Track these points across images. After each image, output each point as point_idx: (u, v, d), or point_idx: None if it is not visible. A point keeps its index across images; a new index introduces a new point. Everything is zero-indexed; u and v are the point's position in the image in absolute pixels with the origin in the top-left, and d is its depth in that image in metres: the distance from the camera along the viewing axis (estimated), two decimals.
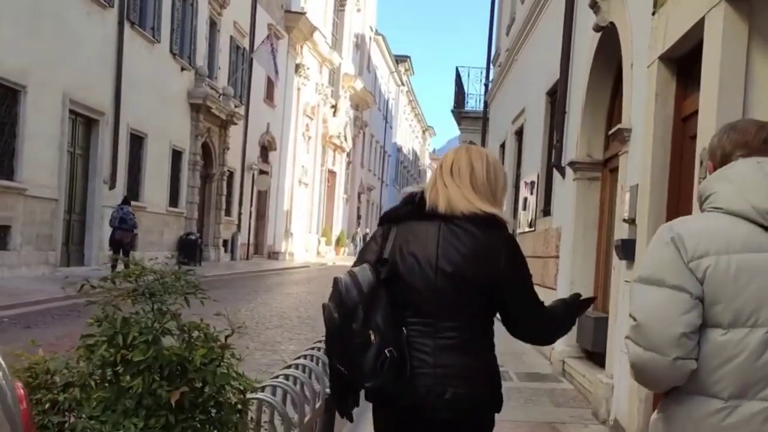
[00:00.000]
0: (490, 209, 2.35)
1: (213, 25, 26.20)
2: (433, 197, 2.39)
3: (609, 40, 7.00)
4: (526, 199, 11.97)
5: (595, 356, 7.59)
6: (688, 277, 1.86)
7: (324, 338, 2.45)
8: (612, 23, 6.65)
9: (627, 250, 5.69)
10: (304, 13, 34.99)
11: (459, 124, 21.20)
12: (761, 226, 1.88)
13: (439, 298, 2.32)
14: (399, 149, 74.46)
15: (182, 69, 22.98)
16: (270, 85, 33.11)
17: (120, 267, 3.24)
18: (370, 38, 54.52)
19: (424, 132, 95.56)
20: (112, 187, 18.48)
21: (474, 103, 21.00)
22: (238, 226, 30.21)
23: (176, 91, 22.66)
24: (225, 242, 28.80)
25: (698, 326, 1.87)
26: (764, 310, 1.84)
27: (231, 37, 27.91)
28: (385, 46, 59.83)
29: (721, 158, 2.06)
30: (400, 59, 68.41)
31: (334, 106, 44.16)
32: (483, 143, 19.24)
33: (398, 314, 2.33)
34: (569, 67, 8.80)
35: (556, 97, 9.74)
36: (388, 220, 2.50)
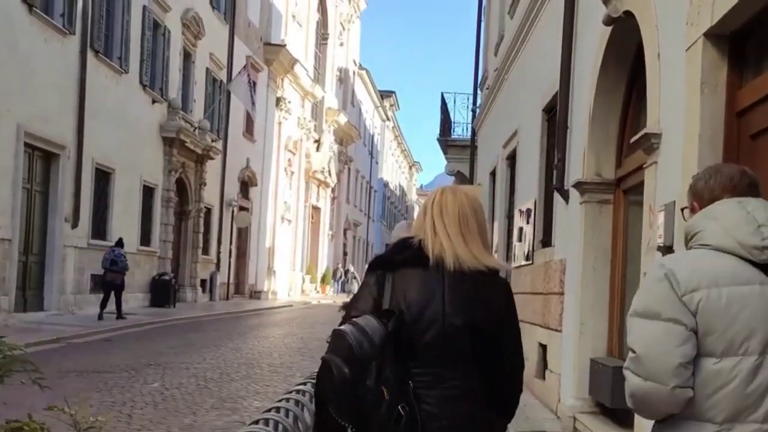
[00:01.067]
0: (492, 262, 2.35)
1: (187, 57, 25.14)
2: (437, 250, 2.33)
3: (623, 33, 5.90)
4: (521, 230, 10.79)
5: (615, 413, 6.35)
6: (682, 310, 1.99)
7: (319, 393, 2.33)
8: (627, 12, 5.54)
9: None
10: (284, 45, 34.08)
11: (445, 153, 20.12)
12: (747, 260, 2.03)
13: (446, 347, 2.28)
14: (386, 185, 73.45)
15: (153, 101, 21.84)
16: (249, 118, 32.01)
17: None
18: (354, 72, 53.76)
19: (410, 167, 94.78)
20: (75, 225, 17.19)
21: (461, 131, 19.97)
22: (217, 264, 28.87)
23: (147, 124, 21.49)
24: (203, 282, 27.45)
25: (693, 356, 1.99)
26: (754, 339, 1.98)
27: (207, 69, 26.86)
28: (370, 81, 59.12)
29: (708, 201, 2.18)
30: (385, 94, 67.75)
31: (318, 141, 43.12)
32: (471, 173, 18.16)
33: (402, 366, 2.26)
34: (571, 75, 7.68)
35: (555, 112, 8.64)
36: (382, 266, 2.39)
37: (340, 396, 2.22)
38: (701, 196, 2.21)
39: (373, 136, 64.80)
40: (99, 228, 18.92)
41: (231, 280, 30.52)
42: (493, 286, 2.35)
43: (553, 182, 8.06)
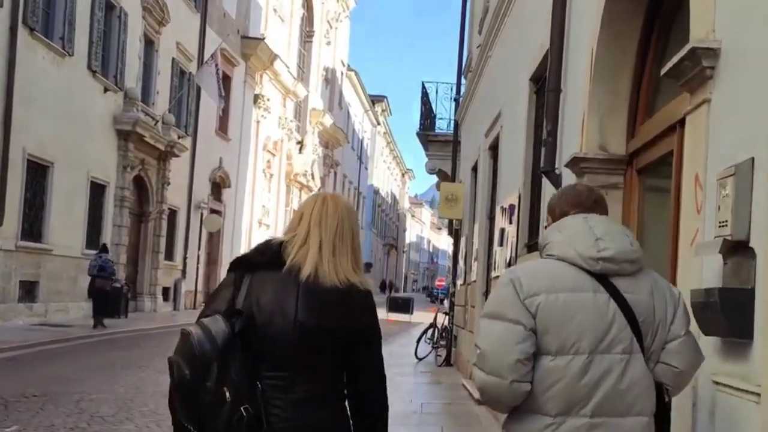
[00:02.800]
0: (354, 278, 2.28)
1: (149, 44, 23.03)
2: (298, 258, 2.26)
3: None
4: (503, 231, 8.71)
5: None
6: (523, 312, 2.17)
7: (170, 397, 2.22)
8: None
9: (735, 311, 2.60)
10: (262, 39, 32.00)
11: (426, 149, 18.03)
12: (585, 269, 2.21)
13: (297, 351, 2.22)
14: (376, 192, 71.37)
15: (106, 90, 19.71)
16: (224, 115, 29.91)
17: None
18: (342, 73, 51.72)
19: (403, 175, 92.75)
20: (0, 224, 15.03)
21: (444, 126, 17.87)
22: (183, 271, 26.71)
23: (97, 114, 19.36)
24: (166, 290, 25.28)
25: (531, 354, 2.16)
26: (584, 340, 2.16)
27: (173, 59, 24.73)
28: (359, 83, 57.11)
29: (559, 215, 2.40)
30: (376, 99, 65.84)
31: (300, 143, 41.03)
32: (453, 170, 16.11)
33: (251, 368, 2.20)
34: (566, 15, 5.61)
35: (545, 79, 6.59)
36: (240, 267, 2.32)
37: (181, 397, 2.16)
38: (554, 212, 2.44)
39: (362, 140, 62.75)
40: (32, 228, 16.77)
41: (199, 288, 28.33)
42: (350, 297, 2.26)
43: (541, 164, 5.95)
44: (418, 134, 17.77)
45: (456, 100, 15.97)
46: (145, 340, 15.74)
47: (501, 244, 8.76)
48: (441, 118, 18.58)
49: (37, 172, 16.82)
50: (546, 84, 5.89)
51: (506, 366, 2.14)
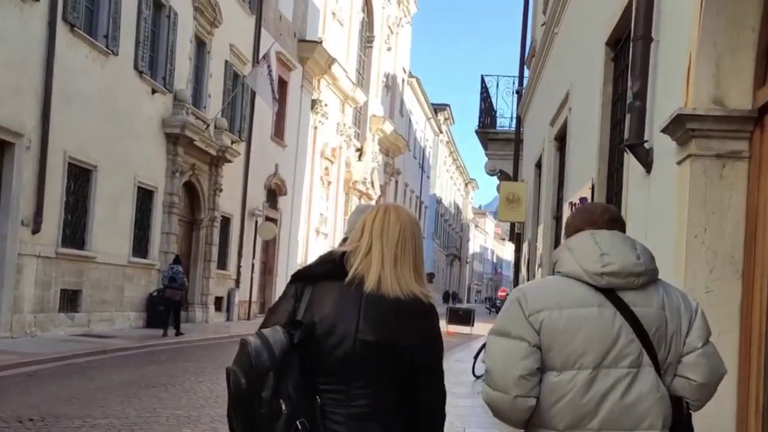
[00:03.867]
0: (416, 290, 2.22)
1: (201, 45, 22.37)
2: (361, 269, 2.23)
3: None
4: None
5: None
6: (527, 328, 2.19)
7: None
8: None
9: None
10: (320, 42, 31.18)
11: (485, 148, 16.74)
12: (591, 285, 2.22)
13: (356, 364, 2.16)
14: (438, 201, 70.04)
15: (153, 91, 19.03)
16: (279, 120, 29.22)
17: None
18: (403, 80, 50.73)
19: (466, 185, 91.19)
20: (37, 230, 14.35)
21: (506, 123, 16.56)
22: (237, 281, 25.93)
23: (144, 117, 18.67)
24: (219, 300, 24.53)
25: (535, 369, 2.18)
26: (588, 356, 2.17)
27: (226, 62, 24.04)
28: (420, 90, 56.01)
29: (574, 233, 2.39)
30: (438, 108, 64.66)
31: (360, 150, 40.12)
32: (515, 171, 14.79)
33: (310, 381, 2.15)
34: None
35: (624, 40, 5.33)
36: (301, 278, 2.29)
37: (237, 408, 2.13)
38: (569, 230, 2.44)
39: (424, 149, 61.62)
40: (74, 235, 16.08)
41: (253, 299, 27.52)
42: (413, 310, 2.21)
43: (626, 136, 4.67)
44: (477, 132, 16.50)
45: (518, 93, 14.66)
46: (187, 354, 14.85)
47: None
48: (503, 117, 17.29)
49: (80, 177, 16.15)
50: (631, 34, 4.60)
51: (510, 382, 2.18)
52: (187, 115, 20.43)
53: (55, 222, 15.08)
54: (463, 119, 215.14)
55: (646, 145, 4.39)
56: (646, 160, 4.38)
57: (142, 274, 19.17)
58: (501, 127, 16.44)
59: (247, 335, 2.16)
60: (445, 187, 75.30)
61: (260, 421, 2.07)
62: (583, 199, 6.86)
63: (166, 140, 19.92)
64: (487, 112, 16.60)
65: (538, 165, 11.58)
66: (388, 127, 43.35)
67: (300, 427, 2.07)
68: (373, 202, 41.72)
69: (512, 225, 15.02)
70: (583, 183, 6.93)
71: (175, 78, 20.14)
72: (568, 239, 2.39)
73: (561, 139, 9.28)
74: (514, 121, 15.99)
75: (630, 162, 4.78)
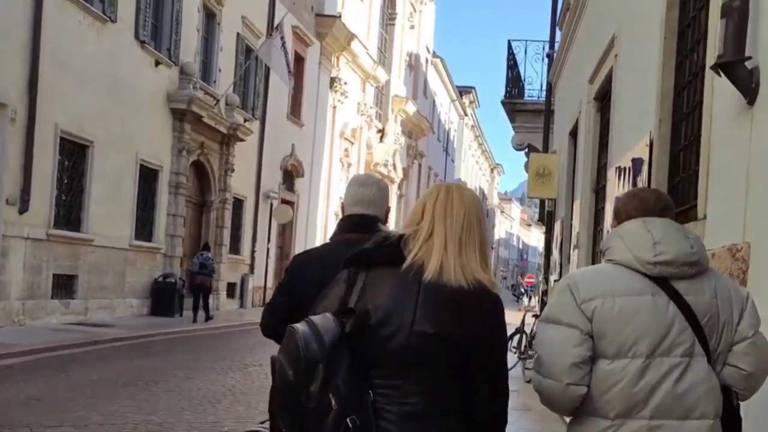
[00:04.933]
0: (483, 277, 2.05)
1: (211, 16, 21.15)
2: (421, 254, 2.05)
3: None
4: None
5: None
6: (579, 316, 2.18)
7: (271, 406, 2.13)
8: None
9: None
10: (338, 17, 29.82)
11: (512, 120, 15.33)
12: (643, 273, 2.20)
13: (413, 357, 1.98)
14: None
15: (157, 63, 17.83)
16: (296, 99, 27.97)
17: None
18: (427, 60, 49.14)
19: (492, 170, 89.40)
20: (24, 209, 13.23)
21: (535, 94, 15.15)
22: (251, 266, 24.80)
23: (146, 90, 17.48)
24: (231, 286, 23.40)
25: (587, 357, 2.16)
26: (641, 344, 2.15)
27: (238, 34, 22.78)
28: (445, 71, 54.32)
29: (625, 220, 2.35)
30: (464, 90, 62.92)
31: (381, 131, 38.76)
32: (545, 145, 13.42)
33: (361, 375, 1.97)
34: None
35: None
36: (355, 263, 2.11)
37: (283, 401, 1.99)
38: (619, 216, 2.40)
39: (448, 132, 60.00)
40: (69, 216, 14.98)
41: (269, 285, 26.36)
42: (478, 300, 2.02)
43: (689, 96, 3.34)
44: (503, 103, 15.10)
45: (549, 57, 13.26)
46: (187, 344, 13.71)
47: None
48: (531, 89, 15.86)
49: (74, 153, 15.01)
50: None
51: (562, 369, 2.15)
52: (194, 89, 19.23)
53: (46, 201, 13.96)
54: (488, 104, 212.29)
55: (748, 63, 3.05)
56: (748, 85, 3.04)
57: (146, 258, 18.06)
58: (529, 97, 15.03)
59: (296, 324, 1.97)
60: (471, 171, 73.66)
61: (308, 418, 1.91)
62: (636, 161, 5.52)
63: (172, 116, 18.74)
64: (515, 81, 15.20)
65: (573, 133, 10.21)
66: (411, 108, 41.87)
67: (351, 426, 1.89)
68: (394, 186, 40.37)
69: (542, 203, 13.64)
70: (636, 141, 5.58)
71: (182, 50, 18.92)
72: (619, 227, 2.36)
73: (602, 97, 7.92)
74: (544, 90, 14.59)
75: (719, 91, 3.43)
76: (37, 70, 13.30)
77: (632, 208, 2.36)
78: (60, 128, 14.21)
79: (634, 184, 5.57)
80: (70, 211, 14.99)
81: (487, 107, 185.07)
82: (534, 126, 14.79)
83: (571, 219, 9.73)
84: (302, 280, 2.62)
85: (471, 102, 66.35)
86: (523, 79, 14.90)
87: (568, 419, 2.32)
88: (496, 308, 2.06)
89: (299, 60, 27.90)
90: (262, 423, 4.17)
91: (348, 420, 1.88)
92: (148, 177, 17.96)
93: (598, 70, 7.85)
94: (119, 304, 16.80)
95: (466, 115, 65.58)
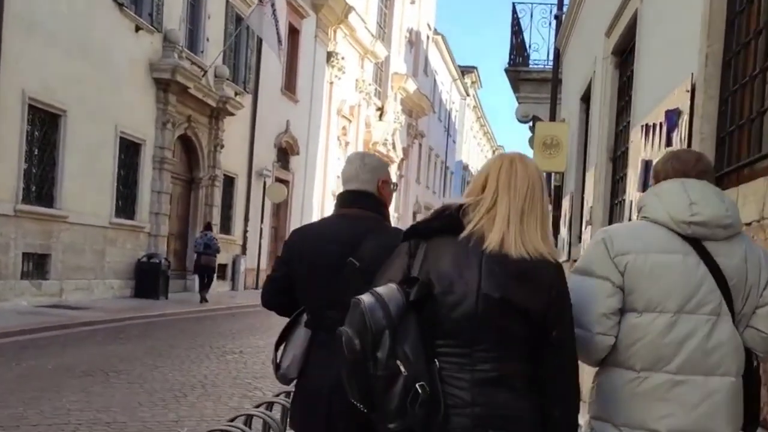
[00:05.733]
0: (543, 249, 2.05)
1: None
2: (482, 225, 2.06)
3: None
4: (647, 165, 5.06)
5: None
6: (612, 269, 2.23)
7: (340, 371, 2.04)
8: None
9: None
10: None
11: (516, 90, 14.27)
12: (677, 232, 2.24)
13: (479, 324, 2.00)
14: (465, 167, 67.38)
15: (137, 29, 16.75)
16: (291, 73, 26.89)
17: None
18: (428, 37, 47.88)
19: (494, 152, 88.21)
20: None
21: (540, 62, 14.06)
22: (243, 247, 23.82)
23: (126, 57, 16.41)
24: (222, 268, 22.41)
25: (617, 309, 2.23)
26: (670, 300, 2.20)
27: (227, 2, 21.66)
28: (446, 49, 53.05)
29: (663, 180, 2.38)
30: (465, 70, 61.66)
31: (381, 109, 37.67)
32: (552, 117, 12.38)
33: (427, 343, 1.99)
34: None
35: None
36: (416, 234, 2.15)
37: (351, 371, 1.99)
38: (658, 176, 2.43)
39: (450, 112, 58.76)
40: (40, 191, 13.98)
41: (263, 266, 25.40)
42: (539, 269, 2.03)
43: (745, 24, 2.30)
44: (506, 71, 14.02)
45: (557, 19, 12.18)
46: (165, 329, 12.74)
47: (645, 187, 5.10)
48: (536, 60, 14.74)
49: (45, 122, 13.99)
50: None
51: (592, 319, 2.21)
52: (180, 59, 18.16)
53: (13, 175, 12.97)
54: (490, 85, 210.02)
55: None
56: None
57: (128, 237, 17.07)
58: (535, 64, 13.96)
59: (360, 296, 1.99)
60: (473, 153, 72.56)
61: (377, 385, 1.92)
62: (671, 114, 4.51)
63: (155, 86, 17.69)
64: (519, 48, 14.11)
65: (585, 98, 9.17)
66: (411, 86, 40.71)
67: (420, 391, 1.89)
68: (394, 167, 39.27)
69: (548, 177, 12.62)
70: (670, 90, 4.56)
71: (165, 16, 17.84)
72: (656, 185, 2.39)
73: (622, 50, 6.89)
74: (550, 59, 13.51)
75: None
76: (0, 30, 12.26)
77: (671, 168, 2.38)
78: (28, 95, 13.18)
79: (669, 142, 4.56)
80: (41, 186, 14.00)
81: (489, 88, 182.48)
82: (540, 97, 13.73)
83: (583, 193, 8.72)
84: (300, 253, 2.65)
85: (473, 82, 65.10)
86: (528, 46, 13.84)
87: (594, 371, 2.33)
88: (559, 277, 2.05)
89: (294, 32, 26.81)
90: (231, 421, 3.87)
91: (417, 386, 1.89)
92: (129, 150, 16.95)
93: (617, 20, 6.81)
94: (98, 286, 15.85)
95: (468, 95, 64.33)
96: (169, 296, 17.66)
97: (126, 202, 17.00)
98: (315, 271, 2.56)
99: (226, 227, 22.64)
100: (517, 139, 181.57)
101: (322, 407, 2.46)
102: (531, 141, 15.99)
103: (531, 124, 15.51)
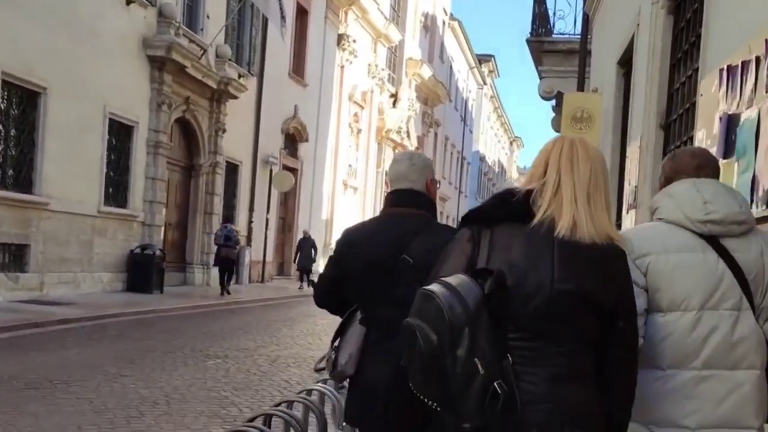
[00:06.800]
0: (614, 234, 2.01)
1: None
2: (552, 210, 2.00)
3: None
4: (730, 120, 3.73)
5: None
6: (634, 271, 2.17)
7: (408, 367, 1.95)
8: None
9: None
10: None
11: (538, 64, 12.86)
12: (693, 231, 2.31)
13: (554, 318, 1.93)
14: (482, 159, 65.84)
15: (128, 1, 15.51)
16: (299, 55, 25.63)
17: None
18: (444, 22, 46.42)
19: (511, 143, 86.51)
20: None
21: (566, 30, 12.65)
22: (248, 238, 22.58)
23: (116, 33, 15.18)
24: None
25: (644, 310, 2.24)
26: (694, 298, 2.25)
27: None
28: (463, 36, 51.50)
29: (665, 181, 2.50)
30: (483, 58, 60.10)
31: (394, 95, 36.30)
32: (581, 89, 11.02)
33: (500, 337, 1.92)
34: None
35: None
36: (477, 220, 2.08)
37: (426, 368, 1.89)
38: (663, 177, 2.52)
39: (466, 101, 57.24)
40: (17, 175, 12.79)
41: (269, 258, 24.19)
42: (610, 257, 1.98)
43: None
44: (528, 42, 12.61)
45: None
46: (152, 327, 11.54)
47: (727, 154, 3.76)
48: (560, 32, 13.32)
49: (22, 100, 12.78)
50: None
51: None
52: (177, 36, 16.92)
53: None
54: (508, 74, 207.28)
55: None
56: None
57: (119, 227, 15.88)
58: (560, 34, 12.55)
59: (427, 286, 1.90)
60: (490, 144, 71.03)
61: (455, 382, 1.85)
62: None
63: (150, 65, 16.46)
64: (542, 18, 12.73)
65: (624, 61, 7.81)
66: (426, 72, 39.26)
67: (499, 390, 1.83)
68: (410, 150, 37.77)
69: None
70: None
71: None
72: (668, 187, 2.44)
73: None
74: (578, 28, 12.14)
75: None
76: None
77: (670, 168, 2.49)
78: (1, 69, 11.97)
79: None
80: (18, 170, 12.81)
81: (507, 78, 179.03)
82: (565, 70, 12.35)
83: (621, 172, 7.40)
84: (352, 252, 2.68)
85: (491, 71, 63.55)
86: (552, 14, 12.43)
87: None
88: (625, 262, 2.02)
89: (302, 13, 25.55)
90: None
91: (495, 384, 1.84)
92: (120, 133, 15.74)
93: None
94: (85, 279, 14.67)
95: (485, 84, 62.77)
96: (165, 290, 16.47)
97: (117, 190, 15.80)
98: (368, 270, 2.59)
99: (229, 217, 21.38)
100: (534, 131, 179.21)
101: (379, 403, 2.48)
102: (554, 122, 14.64)
103: (554, 103, 14.16)
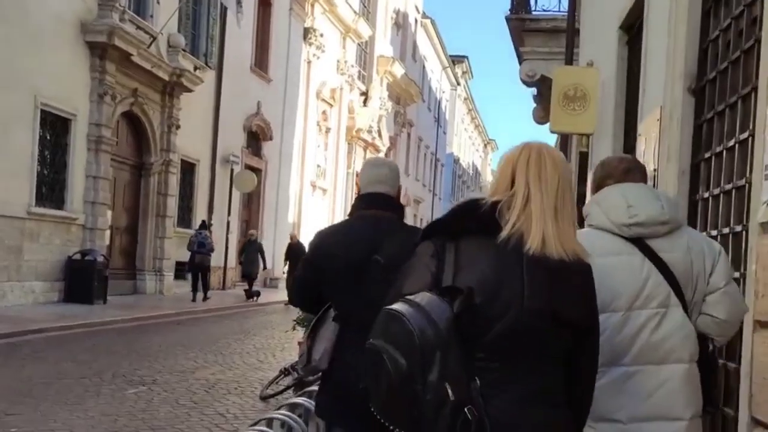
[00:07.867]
0: (578, 249, 1.92)
1: None
2: (520, 223, 1.87)
3: None
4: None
5: None
6: None
7: (370, 394, 1.84)
8: None
9: None
10: None
11: (519, 44, 11.48)
12: (619, 235, 2.43)
13: (525, 339, 1.84)
14: (456, 160, 64.70)
15: None
16: (262, 48, 24.17)
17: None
18: (416, 20, 45.12)
19: (485, 145, 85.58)
20: None
21: (549, 4, 11.32)
22: None
23: (49, 15, 13.63)
24: (181, 266, 19.60)
25: None
26: (621, 299, 2.37)
27: None
28: (436, 35, 50.26)
29: (596, 188, 2.60)
30: (456, 59, 58.98)
31: (365, 94, 34.89)
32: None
33: (468, 359, 1.80)
34: None
35: None
36: (439, 233, 1.95)
37: (393, 395, 1.76)
38: (593, 184, 2.65)
39: (440, 101, 55.99)
40: None
41: (230, 264, 22.61)
42: (579, 275, 1.91)
43: None
44: (507, 19, 11.25)
45: None
46: (74, 345, 10.00)
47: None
48: (543, 11, 12.02)
49: None
50: None
51: None
52: (122, 21, 15.38)
53: None
54: (482, 76, 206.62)
55: None
56: None
57: (55, 230, 14.28)
58: (542, 10, 11.22)
59: (392, 306, 1.79)
60: (464, 146, 69.94)
61: (426, 409, 1.72)
62: None
63: (90, 52, 14.89)
64: None
65: (628, 26, 6.46)
66: (399, 70, 37.90)
67: (470, 416, 1.73)
68: (381, 155, 36.46)
69: (563, 143, 9.88)
70: None
71: None
72: (597, 194, 2.55)
73: None
74: (563, 6, 10.85)
75: None
76: None
77: (600, 176, 2.60)
78: None
79: None
80: None
81: (481, 79, 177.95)
82: (549, 51, 11.00)
83: (634, 152, 6.06)
84: (327, 253, 2.75)
85: (464, 72, 62.44)
86: None
87: None
88: (591, 278, 1.95)
89: (265, 4, 24.12)
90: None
91: (466, 410, 1.74)
92: (55, 126, 14.18)
93: None
94: (13, 290, 13.06)
95: (459, 85, 61.62)
96: (110, 300, 14.89)
97: (51, 189, 14.22)
98: (343, 270, 2.63)
99: (185, 220, 19.88)
100: (509, 135, 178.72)
101: (357, 399, 2.22)
102: (535, 113, 13.31)
103: (535, 92, 12.83)
